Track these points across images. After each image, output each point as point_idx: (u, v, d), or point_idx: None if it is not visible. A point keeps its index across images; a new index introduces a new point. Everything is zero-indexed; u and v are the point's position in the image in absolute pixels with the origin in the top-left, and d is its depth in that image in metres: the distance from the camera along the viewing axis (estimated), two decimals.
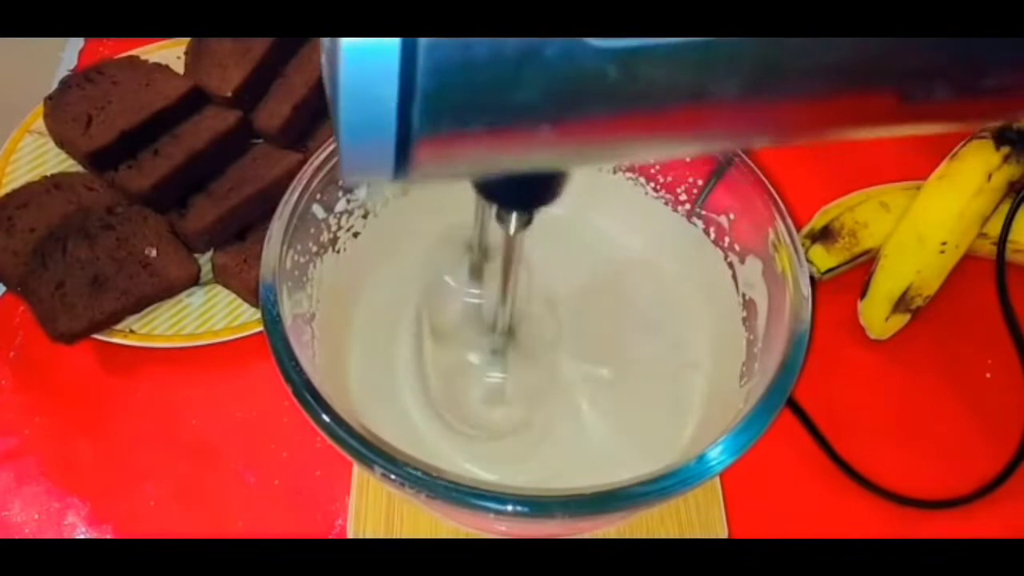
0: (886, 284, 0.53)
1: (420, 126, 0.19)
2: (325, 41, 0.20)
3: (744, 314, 0.40)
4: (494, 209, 0.29)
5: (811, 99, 0.22)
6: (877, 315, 0.53)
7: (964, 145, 0.54)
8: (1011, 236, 0.54)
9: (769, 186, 0.39)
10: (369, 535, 0.45)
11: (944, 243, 0.52)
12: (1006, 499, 0.48)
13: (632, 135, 0.22)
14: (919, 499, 0.48)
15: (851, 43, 0.20)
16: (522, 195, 0.28)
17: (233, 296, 0.54)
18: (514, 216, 0.28)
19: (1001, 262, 0.53)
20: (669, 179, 0.44)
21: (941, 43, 0.21)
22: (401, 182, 0.21)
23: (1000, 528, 0.48)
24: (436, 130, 0.19)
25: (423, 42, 0.18)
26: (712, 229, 0.43)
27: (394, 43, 0.18)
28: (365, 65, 0.18)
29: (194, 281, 0.54)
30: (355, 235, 0.43)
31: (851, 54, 0.20)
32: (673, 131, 0.22)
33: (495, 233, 0.37)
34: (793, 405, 0.51)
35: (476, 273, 0.41)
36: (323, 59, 0.22)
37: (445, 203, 0.45)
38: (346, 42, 0.18)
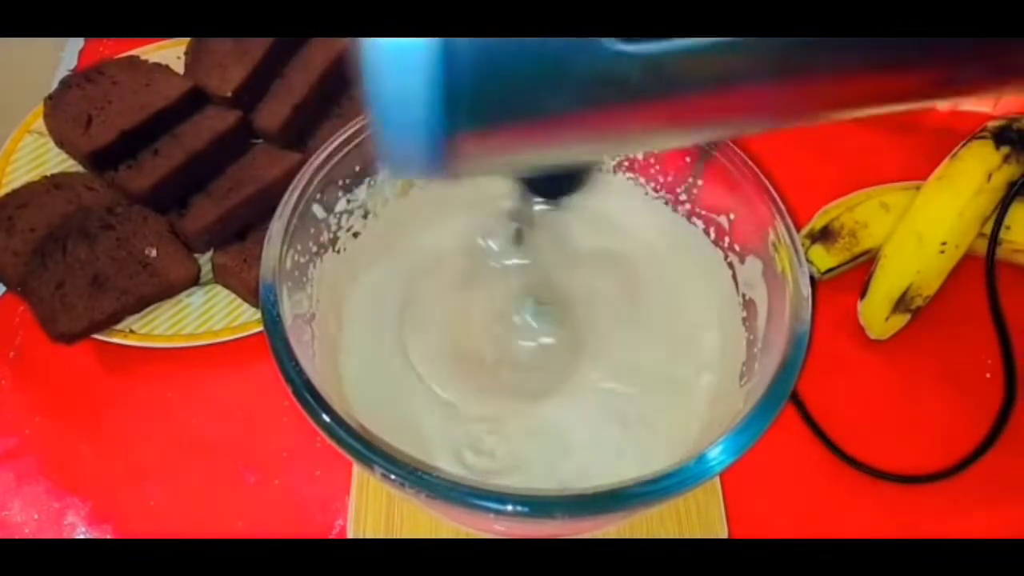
0: (886, 284, 0.53)
1: (456, 123, 0.20)
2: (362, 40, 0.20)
3: (744, 314, 0.40)
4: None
5: (843, 78, 0.22)
6: (877, 315, 0.53)
7: (964, 145, 0.54)
8: (1011, 236, 0.54)
9: (769, 186, 0.39)
10: (369, 535, 0.45)
11: (944, 243, 0.52)
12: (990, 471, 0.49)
13: (664, 124, 0.23)
14: (911, 475, 0.49)
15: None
16: (552, 186, 0.30)
17: (233, 296, 0.54)
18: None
19: (991, 258, 0.53)
20: (669, 179, 0.44)
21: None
22: (439, 177, 0.22)
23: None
24: (472, 127, 0.20)
25: (460, 44, 0.18)
26: (712, 229, 0.43)
27: (431, 44, 0.18)
28: (403, 65, 0.19)
29: (194, 281, 0.54)
30: (355, 235, 0.43)
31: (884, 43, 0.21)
32: (706, 117, 0.23)
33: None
34: (795, 400, 0.51)
35: (518, 239, 0.42)
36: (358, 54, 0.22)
37: (445, 202, 0.46)
38: (385, 40, 0.18)
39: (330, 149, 0.39)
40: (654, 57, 0.20)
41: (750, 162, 0.40)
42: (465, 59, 0.19)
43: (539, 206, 0.32)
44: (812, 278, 0.55)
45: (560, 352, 0.43)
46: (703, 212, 0.43)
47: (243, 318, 0.53)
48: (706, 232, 0.43)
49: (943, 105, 0.66)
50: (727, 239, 0.42)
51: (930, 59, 0.22)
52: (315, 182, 0.38)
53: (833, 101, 0.24)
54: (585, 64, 0.19)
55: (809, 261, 0.55)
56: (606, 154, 0.30)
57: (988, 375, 0.53)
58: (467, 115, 0.20)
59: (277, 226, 0.36)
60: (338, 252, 0.42)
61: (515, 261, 0.43)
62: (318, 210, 0.39)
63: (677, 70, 0.20)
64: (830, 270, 0.55)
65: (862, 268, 0.55)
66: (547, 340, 0.43)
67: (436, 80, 0.19)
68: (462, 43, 0.19)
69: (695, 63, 0.20)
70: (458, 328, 0.44)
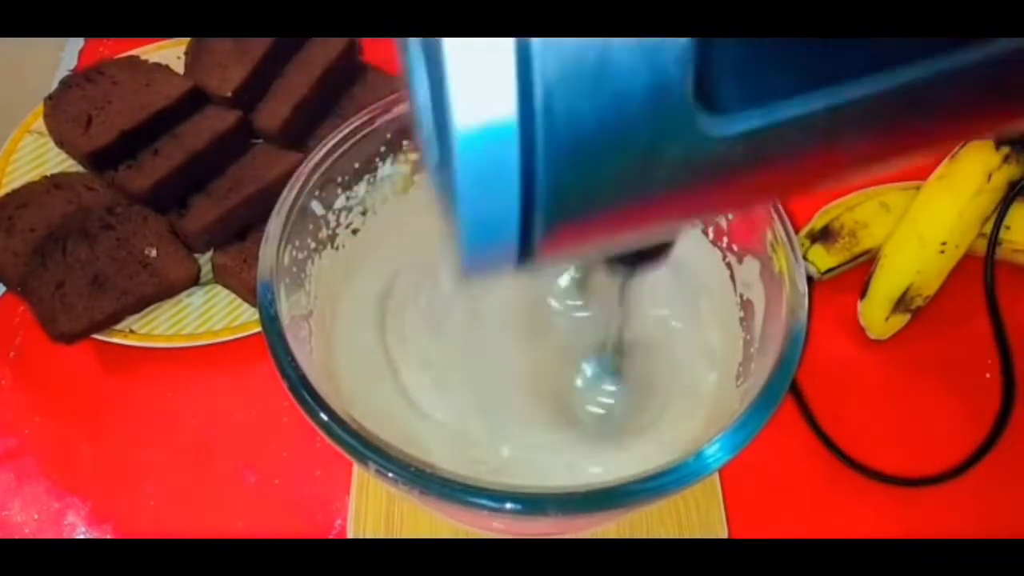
0: (886, 284, 0.53)
1: (542, 224, 0.18)
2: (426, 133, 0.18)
3: (741, 314, 0.40)
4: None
5: (949, 118, 0.21)
6: (877, 315, 0.53)
7: (964, 145, 0.54)
8: (1011, 236, 0.54)
9: None
10: (369, 535, 0.45)
11: (944, 243, 0.52)
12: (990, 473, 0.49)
13: (763, 192, 0.21)
14: (911, 477, 0.49)
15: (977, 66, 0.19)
16: (640, 258, 0.28)
17: (233, 296, 0.54)
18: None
19: (990, 258, 0.53)
20: None
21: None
22: (523, 272, 0.20)
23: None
24: (557, 225, 0.18)
25: (540, 130, 0.16)
26: (711, 229, 0.43)
27: (512, 124, 0.16)
28: (484, 161, 0.17)
29: (194, 281, 0.54)
30: (354, 232, 0.43)
31: (981, 73, 0.19)
32: (806, 180, 0.21)
33: None
34: (796, 399, 0.51)
35: (581, 287, 0.42)
36: (428, 161, 0.20)
37: None
38: (462, 133, 0.16)
39: (329, 146, 0.39)
40: (752, 133, 0.18)
41: None
42: (550, 152, 0.17)
43: (620, 277, 0.30)
44: (810, 278, 0.55)
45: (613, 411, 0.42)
46: None
47: (243, 318, 0.53)
48: (705, 232, 0.43)
49: None
50: (725, 239, 0.42)
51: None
52: (314, 179, 0.38)
53: (939, 137, 0.22)
54: (679, 151, 0.17)
55: (809, 261, 0.55)
56: (696, 225, 0.28)
57: (988, 375, 0.53)
58: (555, 211, 0.18)
59: (275, 223, 0.36)
60: (336, 249, 0.42)
61: (579, 313, 0.43)
62: (317, 207, 0.39)
63: (777, 140, 0.18)
64: (830, 270, 0.55)
65: (862, 268, 0.55)
66: (605, 401, 0.42)
67: (525, 177, 0.17)
68: (542, 134, 0.16)
69: (796, 129, 0.18)
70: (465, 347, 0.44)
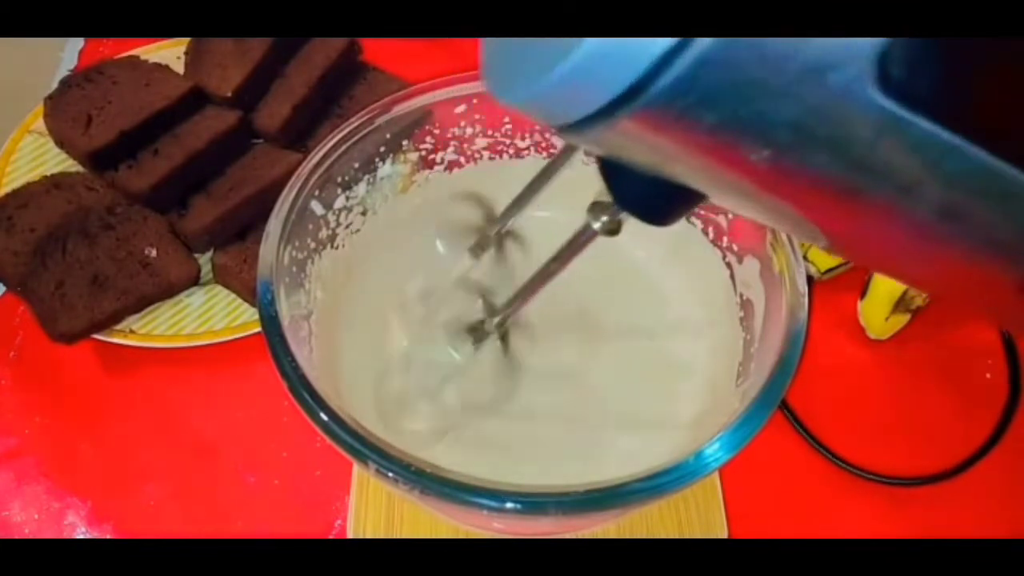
0: (886, 284, 0.53)
1: (655, 95, 0.17)
2: None
3: (741, 314, 0.40)
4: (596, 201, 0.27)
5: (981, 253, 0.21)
6: (877, 315, 0.53)
7: None
8: None
9: None
10: (369, 535, 0.45)
11: None
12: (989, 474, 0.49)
13: (820, 203, 0.21)
14: (910, 477, 0.49)
15: None
16: (651, 204, 0.25)
17: (233, 296, 0.54)
18: (609, 215, 0.27)
19: None
20: None
21: None
22: (568, 134, 0.19)
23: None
24: (666, 106, 0.17)
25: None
26: (711, 228, 0.43)
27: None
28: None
29: (194, 281, 0.54)
30: (354, 232, 0.43)
31: None
32: (855, 217, 0.21)
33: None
34: (785, 408, 0.51)
35: (479, 249, 0.40)
36: None
37: (445, 206, 0.45)
38: None
39: (328, 146, 0.39)
40: (895, 124, 0.18)
41: None
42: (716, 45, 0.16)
43: (599, 224, 0.27)
44: (810, 278, 0.55)
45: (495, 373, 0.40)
46: (701, 211, 0.43)
47: (243, 318, 0.53)
48: (704, 231, 0.43)
49: None
50: (725, 239, 0.42)
51: None
52: (313, 179, 0.38)
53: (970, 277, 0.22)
54: (831, 92, 0.17)
55: (809, 261, 0.55)
56: (746, 208, 0.25)
57: (988, 375, 0.53)
58: (674, 92, 0.17)
59: (275, 223, 0.36)
60: (336, 249, 0.42)
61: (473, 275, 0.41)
62: (316, 207, 0.39)
63: (893, 148, 0.18)
64: (830, 270, 0.55)
65: (862, 268, 0.55)
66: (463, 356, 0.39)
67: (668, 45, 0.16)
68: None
69: (914, 149, 0.18)
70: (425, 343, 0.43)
